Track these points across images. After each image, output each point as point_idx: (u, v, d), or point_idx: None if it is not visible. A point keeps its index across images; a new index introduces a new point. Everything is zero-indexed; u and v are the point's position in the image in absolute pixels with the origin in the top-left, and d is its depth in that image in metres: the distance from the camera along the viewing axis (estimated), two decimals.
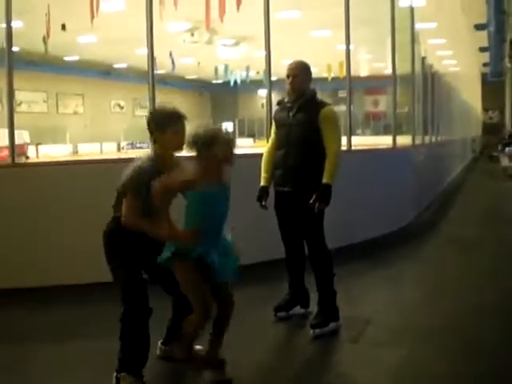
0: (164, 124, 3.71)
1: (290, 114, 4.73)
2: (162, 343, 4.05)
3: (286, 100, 4.83)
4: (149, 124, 3.74)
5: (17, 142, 19.87)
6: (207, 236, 3.49)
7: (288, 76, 4.74)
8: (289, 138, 4.70)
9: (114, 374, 3.57)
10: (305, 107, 4.67)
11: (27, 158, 26.04)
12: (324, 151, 4.61)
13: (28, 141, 27.60)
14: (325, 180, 4.52)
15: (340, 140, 4.79)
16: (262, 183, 4.87)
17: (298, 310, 4.97)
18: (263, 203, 4.83)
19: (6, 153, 20.73)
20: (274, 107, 5.10)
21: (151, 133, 3.73)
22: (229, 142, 3.55)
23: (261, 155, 5.02)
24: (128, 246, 3.62)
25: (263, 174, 4.89)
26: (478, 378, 3.76)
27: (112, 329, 3.56)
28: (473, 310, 5.14)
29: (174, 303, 3.88)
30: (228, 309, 3.68)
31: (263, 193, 4.83)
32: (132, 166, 3.60)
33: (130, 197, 3.55)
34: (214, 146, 3.46)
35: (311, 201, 4.51)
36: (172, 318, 3.96)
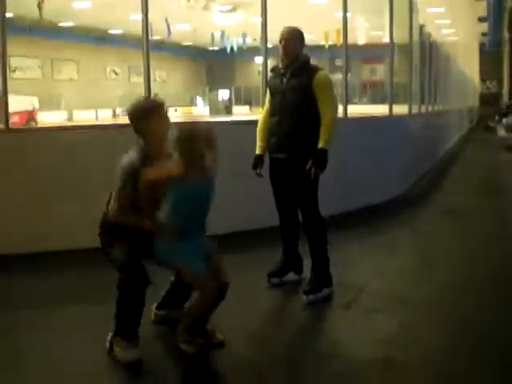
0: (147, 114, 3.64)
1: (284, 80, 4.70)
2: (156, 307, 4.07)
3: (279, 66, 4.80)
4: (131, 118, 3.69)
5: (27, 107, 20.16)
6: (188, 231, 3.55)
7: (280, 40, 4.70)
8: (283, 105, 4.68)
9: (108, 338, 3.62)
10: (298, 73, 4.64)
11: (36, 123, 26.54)
12: (319, 117, 4.59)
13: (37, 107, 28.01)
14: (320, 145, 4.51)
15: (336, 105, 4.77)
16: (257, 151, 4.85)
17: (291, 276, 4.99)
18: (258, 171, 4.83)
19: (16, 119, 20.88)
20: (269, 74, 5.07)
21: (135, 129, 3.67)
22: (208, 138, 3.54)
23: (256, 122, 5.00)
24: (123, 236, 3.62)
25: (258, 143, 4.88)
26: (470, 350, 3.78)
27: (112, 295, 3.59)
28: (466, 280, 5.17)
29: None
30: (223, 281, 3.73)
31: (258, 161, 4.83)
32: (121, 162, 3.60)
33: (117, 193, 3.58)
34: (195, 142, 3.47)
35: (307, 166, 4.51)
36: (173, 283, 3.96)
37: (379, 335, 3.97)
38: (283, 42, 4.69)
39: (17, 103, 23.66)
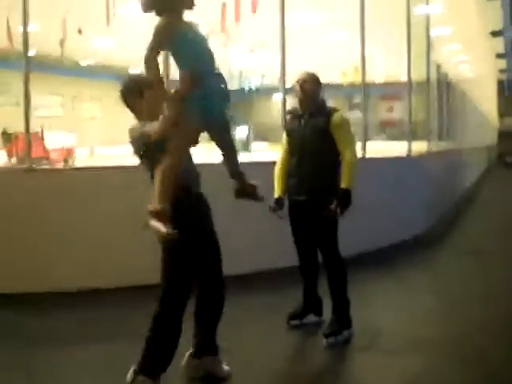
0: (142, 88, 3.56)
1: (302, 122, 4.73)
2: (191, 354, 3.80)
3: (296, 108, 4.83)
4: (128, 92, 3.63)
5: (66, 145, 20.70)
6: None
7: (297, 83, 4.75)
8: (302, 147, 4.69)
9: (131, 370, 3.46)
10: (316, 115, 4.68)
11: (74, 159, 26.24)
12: (337, 158, 4.62)
13: (75, 144, 28.02)
14: (343, 185, 4.51)
15: (355, 144, 4.79)
16: (277, 194, 4.85)
17: (311, 318, 4.95)
18: (279, 214, 4.81)
19: (54, 155, 21.30)
20: (287, 117, 5.10)
21: (131, 104, 3.62)
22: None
23: (275, 162, 5.00)
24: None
25: (277, 185, 4.87)
26: None
27: (121, 333, 3.57)
28: (486, 321, 5.10)
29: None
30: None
31: (279, 203, 4.81)
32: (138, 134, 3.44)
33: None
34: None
35: (332, 206, 4.50)
36: (197, 325, 3.76)
37: (399, 378, 3.90)
38: (300, 84, 4.73)
39: (56, 140, 25.07)
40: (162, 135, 3.22)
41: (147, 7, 3.30)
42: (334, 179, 4.58)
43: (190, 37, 3.28)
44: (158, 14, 3.28)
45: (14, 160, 22.81)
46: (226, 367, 3.82)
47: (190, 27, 3.33)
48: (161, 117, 3.35)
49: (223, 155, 3.61)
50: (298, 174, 4.71)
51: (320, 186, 4.60)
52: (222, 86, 3.36)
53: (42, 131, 24.32)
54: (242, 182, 3.66)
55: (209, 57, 3.36)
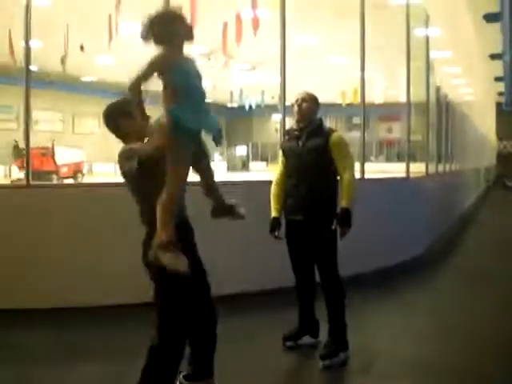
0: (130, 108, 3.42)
1: (300, 142, 4.72)
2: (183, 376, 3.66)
3: (294, 128, 4.82)
4: (113, 116, 3.59)
5: (74, 160, 21.63)
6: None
7: (296, 103, 4.75)
8: (299, 167, 4.68)
9: None
10: (313, 135, 4.66)
11: (83, 175, 28.11)
12: (335, 178, 4.64)
13: (84, 159, 29.46)
14: (343, 204, 4.50)
15: (353, 164, 4.76)
16: (274, 214, 4.83)
17: (307, 339, 4.90)
18: (276, 234, 4.79)
19: (65, 170, 22.35)
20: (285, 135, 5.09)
21: (116, 128, 3.56)
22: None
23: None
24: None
25: (274, 206, 4.85)
26: None
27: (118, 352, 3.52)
28: (486, 345, 5.04)
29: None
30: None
31: (276, 224, 4.80)
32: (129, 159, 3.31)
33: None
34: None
35: (332, 226, 4.49)
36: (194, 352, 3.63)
37: None
38: (299, 104, 4.73)
39: (66, 155, 26.76)
40: (160, 150, 3.17)
41: (146, 38, 3.28)
42: (332, 199, 4.59)
43: (183, 73, 3.25)
44: (157, 44, 3.27)
45: (21, 173, 22.43)
46: None
47: (186, 63, 3.30)
48: (150, 137, 3.32)
49: (199, 173, 3.55)
50: (295, 194, 4.69)
51: (318, 205, 4.59)
52: (211, 124, 3.33)
53: (53, 146, 25.85)
54: (219, 199, 3.59)
55: (200, 95, 3.36)
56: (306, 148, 4.67)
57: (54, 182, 23.84)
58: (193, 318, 3.47)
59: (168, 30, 3.24)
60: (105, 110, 3.64)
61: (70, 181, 25.20)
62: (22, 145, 21.26)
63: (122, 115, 3.55)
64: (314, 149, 4.62)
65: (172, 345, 3.33)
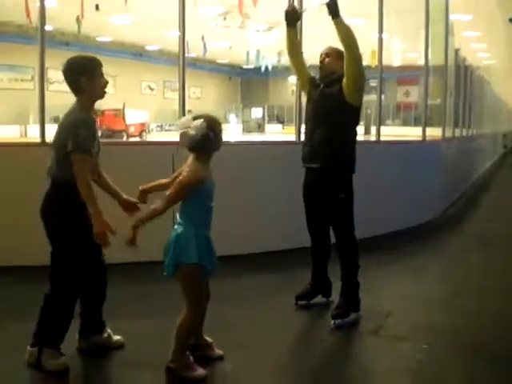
0: (92, 69, 3.59)
1: (318, 89, 4.73)
2: (80, 335, 3.89)
3: (316, 77, 4.84)
4: (72, 73, 3.59)
5: (139, 120, 23.17)
6: (207, 229, 3.52)
7: (321, 55, 4.76)
8: (315, 113, 4.72)
9: (31, 349, 3.59)
10: (331, 84, 4.64)
11: (147, 133, 31.93)
12: (350, 126, 4.68)
13: (148, 120, 33.43)
14: None
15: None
16: None
17: (319, 298, 4.96)
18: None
19: (132, 129, 29.39)
20: (303, 94, 5.11)
21: (75, 83, 3.58)
22: (221, 128, 3.57)
23: (292, 142, 4.98)
24: (78, 216, 3.53)
25: None
26: (496, 381, 3.71)
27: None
28: (495, 311, 5.06)
29: (86, 291, 3.77)
30: (207, 302, 3.67)
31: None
32: (68, 123, 3.51)
33: (82, 155, 3.46)
34: (217, 136, 3.48)
35: (342, 195, 4.56)
36: (84, 307, 3.83)
37: (406, 363, 3.91)
38: (323, 56, 4.76)
39: (133, 116, 30.76)
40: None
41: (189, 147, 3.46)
42: (347, 149, 4.64)
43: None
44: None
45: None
46: (117, 337, 3.93)
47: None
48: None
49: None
50: (310, 141, 4.71)
51: (331, 153, 4.59)
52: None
53: (124, 108, 29.53)
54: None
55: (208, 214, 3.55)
56: (321, 95, 4.68)
57: (124, 139, 27.28)
58: (84, 276, 3.66)
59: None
60: (67, 65, 3.64)
61: (137, 139, 28.85)
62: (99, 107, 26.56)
63: (84, 73, 3.58)
64: (329, 96, 4.62)
65: (62, 295, 3.58)
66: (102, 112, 29.30)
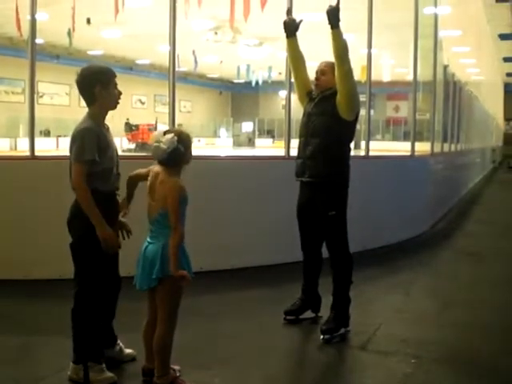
0: (106, 78, 3.62)
1: (312, 104, 4.75)
2: None
3: (312, 92, 4.86)
4: (85, 81, 3.61)
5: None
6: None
7: (316, 73, 4.76)
8: (308, 128, 4.72)
9: (73, 367, 3.58)
10: (326, 99, 4.66)
11: None
12: (342, 141, 4.68)
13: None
14: None
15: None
16: None
17: (308, 313, 4.95)
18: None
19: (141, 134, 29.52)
20: (294, 108, 5.13)
21: (88, 92, 3.61)
22: (192, 143, 3.60)
23: (282, 158, 4.98)
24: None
25: None
26: None
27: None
28: (485, 325, 5.08)
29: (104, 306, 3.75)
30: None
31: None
32: (73, 133, 3.54)
33: (79, 164, 3.48)
34: (187, 150, 3.50)
35: (333, 213, 4.57)
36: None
37: (394, 378, 3.90)
38: (317, 77, 4.75)
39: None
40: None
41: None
42: (338, 161, 4.64)
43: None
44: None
45: (132, 145, 32.23)
46: (128, 350, 3.94)
47: None
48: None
49: None
50: (303, 155, 4.72)
51: (322, 167, 4.61)
52: None
53: (156, 123, 30.65)
54: None
55: None
56: (314, 110, 4.70)
57: None
58: (103, 288, 3.64)
59: None
60: (81, 73, 3.67)
61: None
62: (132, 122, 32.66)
63: (98, 82, 3.61)
64: (322, 111, 4.64)
65: (85, 308, 3.57)
66: (137, 126, 32.62)
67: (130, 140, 32.43)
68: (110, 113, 3.74)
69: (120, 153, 3.88)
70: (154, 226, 3.50)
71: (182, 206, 3.42)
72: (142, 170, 3.66)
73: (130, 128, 33.38)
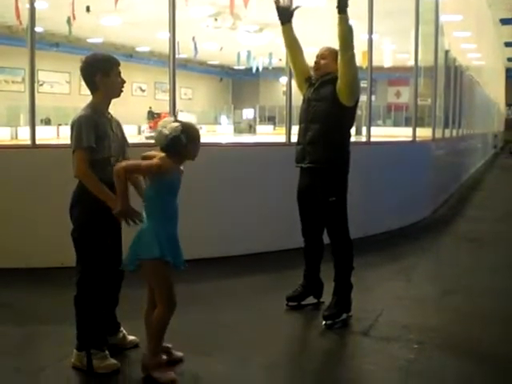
0: (108, 66, 3.63)
1: (311, 89, 4.73)
2: None
3: (312, 77, 4.83)
4: (88, 70, 3.63)
5: None
6: (171, 226, 3.50)
7: (317, 56, 4.74)
8: (308, 113, 4.70)
9: (77, 354, 3.60)
10: (325, 85, 4.64)
11: None
12: (341, 126, 4.66)
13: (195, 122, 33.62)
14: None
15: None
16: None
17: (310, 299, 4.96)
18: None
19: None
20: (294, 95, 5.11)
21: (90, 79, 3.62)
22: (199, 140, 3.57)
23: (283, 144, 4.97)
24: (98, 214, 3.53)
25: None
26: (486, 381, 3.73)
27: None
28: (487, 310, 5.08)
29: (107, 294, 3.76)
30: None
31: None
32: (72, 121, 3.54)
33: (79, 151, 3.50)
34: (191, 143, 3.47)
35: (333, 198, 4.56)
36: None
37: (396, 363, 3.92)
38: (317, 61, 4.73)
39: (185, 118, 33.01)
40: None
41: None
42: (337, 147, 4.62)
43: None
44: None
45: (153, 132, 30.75)
46: (131, 337, 3.95)
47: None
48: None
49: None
50: (302, 141, 4.71)
51: (321, 152, 4.59)
52: None
53: (177, 112, 28.60)
54: None
55: None
56: (314, 95, 4.68)
57: None
58: (105, 270, 3.64)
59: None
60: (85, 60, 3.69)
61: None
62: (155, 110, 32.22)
63: (100, 70, 3.63)
64: (322, 96, 4.62)
65: (87, 296, 3.58)
66: (159, 114, 31.33)
67: (151, 128, 32.00)
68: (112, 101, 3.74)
69: (143, 140, 3.90)
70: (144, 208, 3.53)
71: (158, 187, 3.45)
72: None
73: (152, 116, 33.33)
